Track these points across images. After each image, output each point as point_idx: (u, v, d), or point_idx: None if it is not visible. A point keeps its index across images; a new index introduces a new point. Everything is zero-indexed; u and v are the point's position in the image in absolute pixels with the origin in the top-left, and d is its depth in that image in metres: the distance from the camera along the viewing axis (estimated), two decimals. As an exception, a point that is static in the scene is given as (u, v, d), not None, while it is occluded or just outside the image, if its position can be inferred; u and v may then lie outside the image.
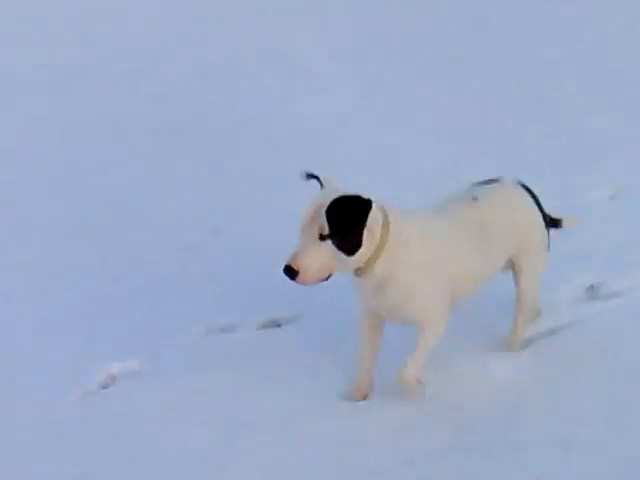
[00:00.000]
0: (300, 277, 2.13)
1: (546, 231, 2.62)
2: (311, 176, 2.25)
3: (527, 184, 2.65)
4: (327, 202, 2.12)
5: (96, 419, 2.53)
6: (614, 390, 2.48)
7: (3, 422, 2.54)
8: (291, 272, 2.12)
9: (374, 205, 2.17)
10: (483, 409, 2.44)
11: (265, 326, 2.96)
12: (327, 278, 2.18)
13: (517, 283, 2.62)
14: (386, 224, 2.23)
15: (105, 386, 2.72)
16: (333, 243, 2.13)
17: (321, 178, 2.24)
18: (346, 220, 2.12)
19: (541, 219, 2.60)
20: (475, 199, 2.48)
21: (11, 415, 2.57)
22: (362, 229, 2.14)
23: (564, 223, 2.73)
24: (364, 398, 2.50)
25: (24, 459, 2.38)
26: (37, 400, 2.62)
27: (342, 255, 2.14)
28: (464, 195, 2.52)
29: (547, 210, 2.67)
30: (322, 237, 2.13)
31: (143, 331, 2.94)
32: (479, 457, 2.26)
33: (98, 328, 2.98)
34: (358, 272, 2.25)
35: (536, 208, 2.60)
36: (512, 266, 2.60)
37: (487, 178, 2.63)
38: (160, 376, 2.71)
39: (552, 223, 2.67)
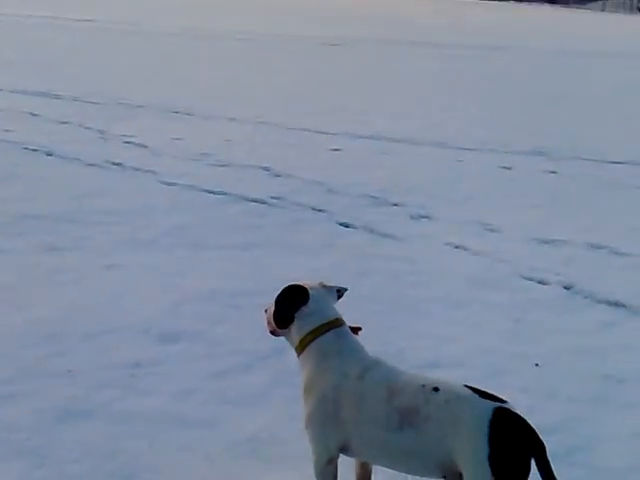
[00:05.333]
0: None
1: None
2: None
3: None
4: None
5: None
6: None
7: None
8: None
9: (314, 303, 3.08)
10: None
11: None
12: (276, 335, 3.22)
13: None
14: (317, 335, 3.02)
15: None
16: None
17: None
18: (278, 300, 3.13)
19: None
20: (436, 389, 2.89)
21: None
22: (286, 310, 3.09)
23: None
24: None
25: None
26: None
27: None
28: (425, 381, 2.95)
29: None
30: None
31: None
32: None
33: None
34: (296, 352, 3.13)
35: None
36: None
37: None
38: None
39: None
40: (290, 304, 3.09)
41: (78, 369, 4.08)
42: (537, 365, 4.67)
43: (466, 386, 2.92)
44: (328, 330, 3.05)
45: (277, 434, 3.59)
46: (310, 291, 3.11)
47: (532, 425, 2.84)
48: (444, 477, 2.92)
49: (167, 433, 3.58)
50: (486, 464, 2.74)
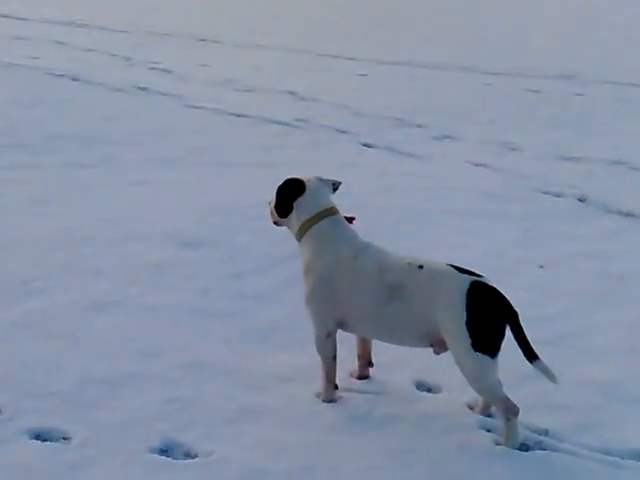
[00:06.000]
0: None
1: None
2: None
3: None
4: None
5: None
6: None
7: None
8: None
9: (310, 193, 3.44)
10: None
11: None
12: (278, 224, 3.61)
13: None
14: (315, 222, 3.36)
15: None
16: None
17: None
18: (278, 192, 3.52)
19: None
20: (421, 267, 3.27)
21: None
22: (285, 200, 3.45)
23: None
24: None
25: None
26: None
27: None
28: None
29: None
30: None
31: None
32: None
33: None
34: (297, 238, 3.49)
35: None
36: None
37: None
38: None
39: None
40: (289, 195, 3.46)
41: (106, 269, 4.49)
42: (542, 267, 4.98)
43: (449, 265, 3.26)
44: (324, 218, 3.40)
45: (287, 324, 3.97)
46: (307, 183, 3.46)
47: (505, 295, 3.18)
48: (432, 345, 3.29)
49: (189, 322, 3.99)
50: (464, 328, 3.12)
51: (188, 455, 3.09)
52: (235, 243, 4.98)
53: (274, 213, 3.56)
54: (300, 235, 3.46)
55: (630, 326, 4.26)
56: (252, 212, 5.29)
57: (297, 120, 7.95)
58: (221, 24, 13.56)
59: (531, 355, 3.21)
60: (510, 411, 3.22)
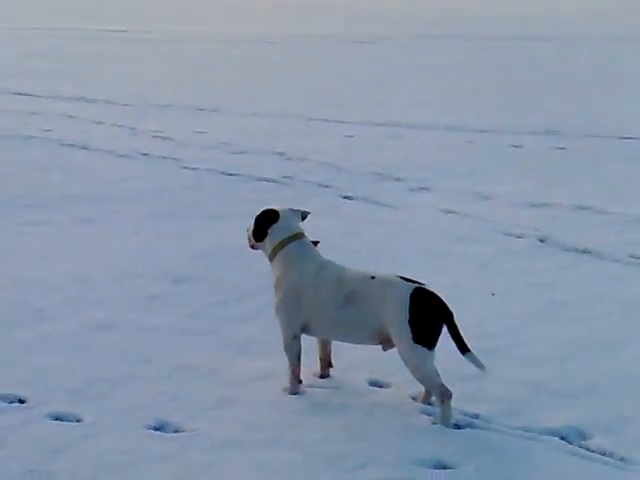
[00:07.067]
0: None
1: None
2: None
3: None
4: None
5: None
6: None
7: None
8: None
9: (283, 221, 4.33)
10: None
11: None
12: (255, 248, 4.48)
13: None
14: (285, 244, 4.23)
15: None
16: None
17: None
18: (256, 220, 4.37)
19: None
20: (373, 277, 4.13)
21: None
22: (261, 226, 4.33)
23: None
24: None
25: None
26: None
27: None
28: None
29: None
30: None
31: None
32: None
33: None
34: (269, 259, 4.37)
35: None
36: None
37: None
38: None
39: None
40: (265, 222, 4.35)
41: (109, 299, 5.41)
42: (493, 294, 5.84)
43: (397, 275, 4.14)
44: (293, 240, 4.29)
45: (261, 338, 4.86)
46: (280, 212, 4.36)
47: (443, 299, 4.05)
48: (381, 343, 4.15)
49: (178, 338, 4.91)
50: (407, 325, 3.98)
51: (177, 431, 3.95)
52: (219, 278, 5.90)
53: (251, 238, 4.44)
54: (273, 255, 4.33)
55: (565, 341, 5.08)
56: (233, 253, 6.13)
57: (284, 177, 8.92)
58: (219, 95, 14.70)
59: (463, 348, 4.07)
60: (445, 395, 4.05)
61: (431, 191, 8.57)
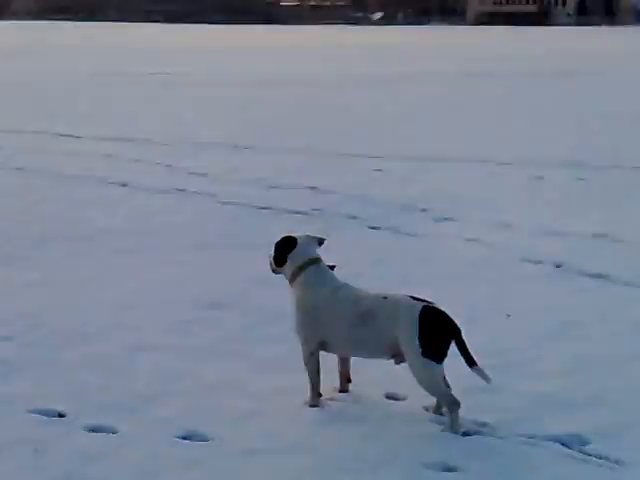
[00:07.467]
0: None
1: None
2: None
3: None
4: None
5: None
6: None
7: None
8: None
9: (301, 247, 4.71)
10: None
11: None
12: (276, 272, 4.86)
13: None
14: (304, 268, 4.60)
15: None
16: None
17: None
18: (276, 247, 4.74)
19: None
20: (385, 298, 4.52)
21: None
22: (281, 253, 4.70)
23: None
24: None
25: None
26: None
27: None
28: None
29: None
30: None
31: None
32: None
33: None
34: (289, 282, 4.73)
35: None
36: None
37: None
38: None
39: None
40: (284, 248, 4.74)
41: (146, 325, 5.85)
42: (508, 316, 6.15)
43: (408, 295, 4.50)
44: (310, 265, 4.67)
45: (287, 356, 5.19)
46: (298, 239, 4.75)
47: (451, 316, 4.40)
48: (393, 357, 4.50)
49: (209, 359, 5.33)
50: (417, 340, 4.33)
51: (204, 440, 4.35)
52: (249, 303, 6.31)
53: (272, 264, 4.84)
54: (292, 279, 4.71)
55: (571, 356, 5.40)
56: (262, 280, 6.48)
57: (314, 209, 9.34)
58: (253, 132, 15.22)
59: (471, 362, 4.41)
60: (453, 405, 4.40)
61: (455, 221, 8.91)
